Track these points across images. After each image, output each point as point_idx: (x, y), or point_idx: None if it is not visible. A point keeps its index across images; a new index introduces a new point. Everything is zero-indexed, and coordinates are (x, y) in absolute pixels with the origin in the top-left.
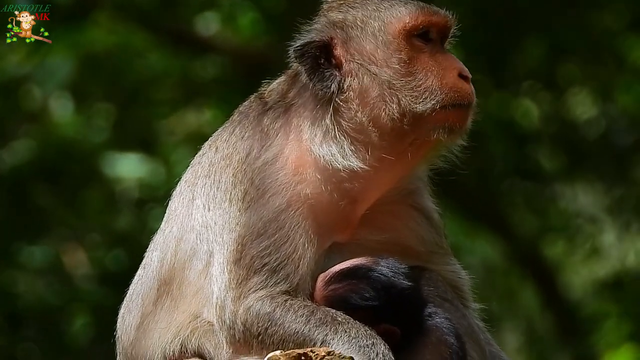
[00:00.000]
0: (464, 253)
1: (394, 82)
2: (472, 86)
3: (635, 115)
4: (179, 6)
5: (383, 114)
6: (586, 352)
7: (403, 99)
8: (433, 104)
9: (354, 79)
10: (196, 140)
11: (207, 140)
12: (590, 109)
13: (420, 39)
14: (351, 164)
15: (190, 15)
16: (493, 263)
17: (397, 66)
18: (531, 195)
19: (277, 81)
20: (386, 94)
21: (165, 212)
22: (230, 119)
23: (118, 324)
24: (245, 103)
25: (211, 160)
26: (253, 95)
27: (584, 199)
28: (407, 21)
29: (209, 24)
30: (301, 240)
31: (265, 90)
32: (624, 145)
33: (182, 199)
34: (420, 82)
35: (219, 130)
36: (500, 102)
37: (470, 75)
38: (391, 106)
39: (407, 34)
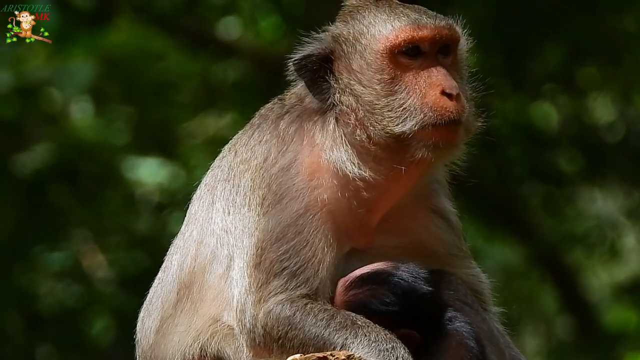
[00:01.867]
0: (483, 257)
1: (375, 102)
2: (459, 102)
3: None
4: (200, 9)
5: (372, 134)
6: (605, 357)
7: (384, 120)
8: (412, 125)
9: (345, 97)
10: (216, 144)
11: (226, 143)
12: (609, 112)
13: (407, 55)
14: (362, 173)
15: (212, 20)
16: (512, 267)
17: (378, 87)
18: (550, 198)
19: (300, 85)
20: (369, 115)
21: (185, 215)
22: (251, 121)
23: (138, 327)
24: (268, 105)
25: (230, 164)
26: (276, 98)
27: (603, 202)
28: (390, 39)
29: (230, 28)
30: (320, 244)
31: (287, 93)
32: None
33: (202, 202)
34: (401, 102)
35: (239, 133)
36: (519, 105)
37: (454, 92)
38: (375, 127)
39: (390, 53)
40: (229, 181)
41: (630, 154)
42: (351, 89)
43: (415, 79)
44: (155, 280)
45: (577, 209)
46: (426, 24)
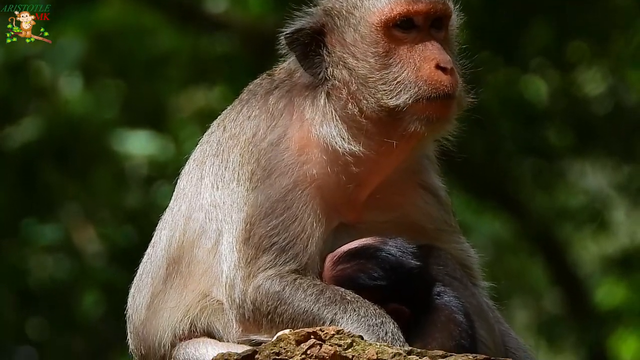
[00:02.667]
0: (473, 231)
1: (369, 76)
2: (453, 76)
3: None
4: None
5: (364, 107)
6: (596, 331)
7: (377, 93)
8: (406, 98)
9: (338, 70)
10: (205, 117)
11: (215, 118)
12: (599, 86)
13: (401, 29)
14: (352, 147)
15: None
16: (502, 241)
17: (372, 60)
18: (540, 172)
19: (289, 60)
20: (362, 89)
21: (173, 191)
22: (240, 97)
23: (129, 304)
24: (256, 81)
25: (219, 140)
26: (265, 73)
27: (592, 176)
28: (384, 13)
29: (218, 1)
30: (309, 219)
31: (276, 68)
32: (633, 122)
33: (191, 177)
34: (396, 76)
35: (227, 109)
36: (509, 79)
37: (449, 66)
38: (369, 100)
39: (384, 26)
40: (217, 156)
41: (619, 127)
42: (344, 62)
43: (410, 52)
44: (145, 256)
45: (566, 183)
46: None
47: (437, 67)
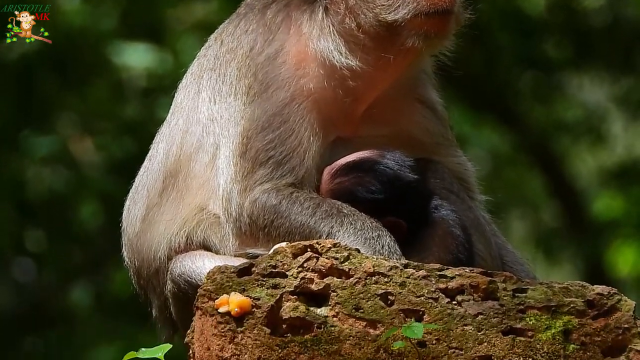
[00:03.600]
0: (471, 144)
1: None
2: None
3: None
4: None
5: (362, 22)
6: (593, 243)
7: (376, 8)
8: (404, 13)
9: None
10: (203, 29)
11: (213, 30)
12: None
13: None
14: (349, 62)
15: None
16: (500, 153)
17: None
18: (538, 85)
19: None
20: (361, 3)
21: (171, 104)
22: (237, 11)
23: (123, 216)
24: None
25: (217, 54)
26: None
27: (590, 89)
28: None
29: None
30: (306, 133)
31: None
32: (632, 35)
33: (188, 91)
34: None
35: (225, 23)
36: None
37: None
38: (367, 15)
39: None
40: (215, 70)
41: (618, 40)
42: None
43: None
44: (141, 169)
45: (564, 97)
46: None
47: None
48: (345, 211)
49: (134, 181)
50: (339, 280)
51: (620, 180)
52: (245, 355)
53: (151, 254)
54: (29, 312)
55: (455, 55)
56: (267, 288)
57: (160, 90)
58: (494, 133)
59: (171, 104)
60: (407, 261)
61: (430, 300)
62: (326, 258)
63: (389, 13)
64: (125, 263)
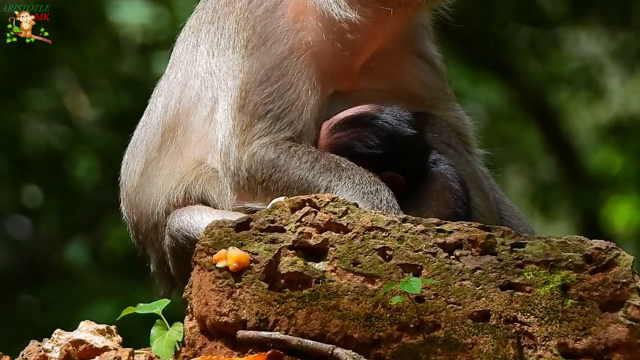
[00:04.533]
0: (468, 99)
1: None
2: None
3: None
4: None
5: None
6: (589, 197)
7: None
8: None
9: None
10: None
11: None
12: None
13: None
14: (348, 15)
15: None
16: (497, 109)
17: None
18: (534, 40)
19: None
20: None
21: (169, 58)
22: None
23: (122, 170)
24: None
25: (215, 7)
26: None
27: (587, 44)
28: None
29: None
30: (304, 87)
31: None
32: None
33: (187, 45)
34: None
35: None
36: None
37: None
38: None
39: None
40: (213, 23)
41: None
42: None
43: None
44: (140, 123)
45: (561, 51)
46: None
47: None
48: (343, 165)
49: (132, 136)
50: (337, 234)
51: (617, 136)
52: (244, 310)
53: (149, 209)
54: (25, 269)
55: (454, 9)
56: (265, 243)
57: (156, 46)
58: (490, 89)
59: (169, 58)
60: (405, 215)
61: (429, 255)
62: (324, 212)
63: None
64: (124, 218)
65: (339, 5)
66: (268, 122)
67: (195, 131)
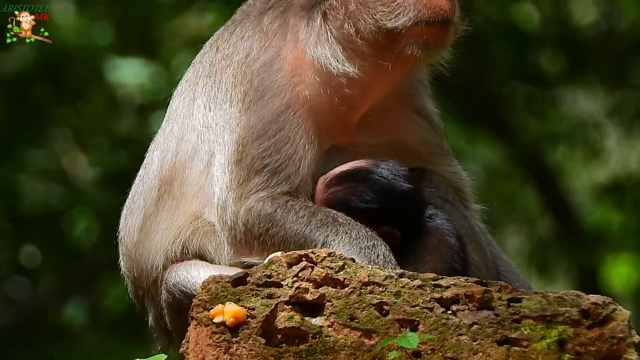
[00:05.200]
0: (466, 158)
1: None
2: (452, 1)
3: (637, 17)
4: None
5: (362, 27)
6: (587, 256)
7: (376, 14)
8: (405, 21)
9: None
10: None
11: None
12: (591, 12)
13: None
14: (346, 69)
15: None
16: (494, 168)
17: None
18: (532, 98)
19: None
20: (361, 8)
21: (165, 112)
22: (233, 17)
23: (121, 225)
24: (249, 1)
25: (212, 61)
26: None
27: (584, 102)
28: None
29: None
30: (301, 141)
31: None
32: (625, 48)
33: (183, 98)
34: None
35: (220, 30)
36: (501, 5)
37: None
38: (367, 21)
39: None
40: (210, 77)
41: (612, 53)
42: None
43: None
44: (137, 177)
45: (558, 110)
46: None
47: None
48: (340, 220)
49: (129, 191)
50: (334, 289)
51: (615, 195)
52: None
53: (149, 264)
54: (23, 329)
55: (451, 66)
56: (262, 298)
57: (154, 106)
58: (488, 147)
59: (166, 112)
60: (402, 270)
61: (425, 310)
62: (321, 267)
63: (389, 20)
64: (122, 272)
65: (337, 60)
66: (265, 177)
67: (191, 185)
